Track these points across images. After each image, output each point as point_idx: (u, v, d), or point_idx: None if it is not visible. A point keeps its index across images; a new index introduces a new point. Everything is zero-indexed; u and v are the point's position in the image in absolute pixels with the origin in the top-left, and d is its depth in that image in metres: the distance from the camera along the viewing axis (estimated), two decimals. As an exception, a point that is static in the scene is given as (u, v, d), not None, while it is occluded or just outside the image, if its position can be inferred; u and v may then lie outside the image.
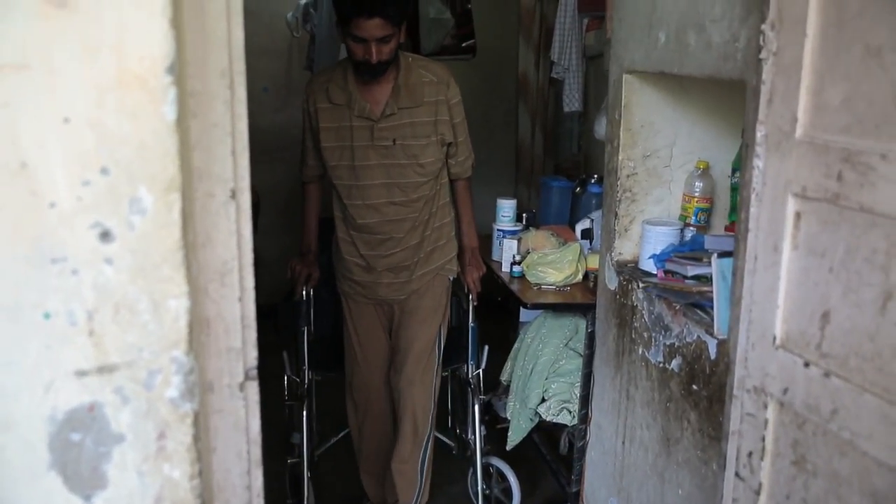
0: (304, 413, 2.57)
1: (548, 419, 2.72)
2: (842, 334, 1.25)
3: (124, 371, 1.07)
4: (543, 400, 2.73)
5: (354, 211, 2.52)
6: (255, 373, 1.31)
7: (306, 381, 2.64)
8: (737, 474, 1.50)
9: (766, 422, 1.41)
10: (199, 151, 1.16)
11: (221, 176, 1.20)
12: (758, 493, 1.44)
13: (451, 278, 2.69)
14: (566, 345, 2.78)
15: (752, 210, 1.43)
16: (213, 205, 1.19)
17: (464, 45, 5.00)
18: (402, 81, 2.44)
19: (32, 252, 1.00)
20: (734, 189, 2.23)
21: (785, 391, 1.36)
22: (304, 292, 2.65)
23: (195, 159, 1.15)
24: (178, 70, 1.03)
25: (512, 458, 2.90)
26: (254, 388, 1.31)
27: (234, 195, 1.21)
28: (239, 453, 1.32)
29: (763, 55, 1.38)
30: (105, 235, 1.03)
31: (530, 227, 3.11)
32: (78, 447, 1.07)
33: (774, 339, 1.39)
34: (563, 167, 4.42)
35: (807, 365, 1.31)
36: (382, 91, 2.44)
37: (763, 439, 1.42)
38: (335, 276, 2.70)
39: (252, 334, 1.30)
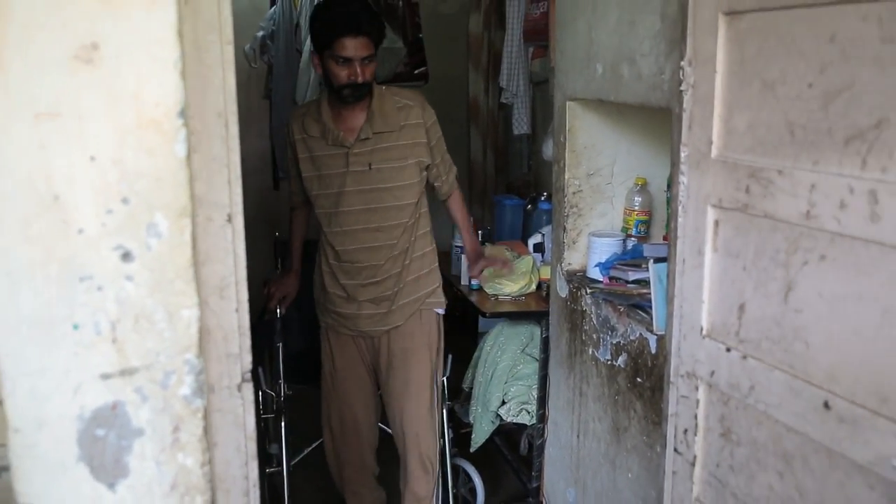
0: (283, 425, 2.72)
1: (508, 420, 2.91)
2: (755, 322, 1.48)
3: (143, 373, 1.24)
4: (504, 403, 2.92)
5: (334, 238, 2.52)
6: (249, 375, 1.49)
7: (282, 395, 2.79)
8: (675, 450, 1.71)
9: (697, 402, 1.63)
10: (200, 181, 1.33)
11: (219, 202, 1.38)
12: (693, 464, 1.65)
13: (441, 312, 2.67)
14: (523, 351, 2.98)
15: (680, 220, 1.66)
16: (213, 227, 1.37)
17: (416, 72, 5.22)
18: (377, 107, 2.45)
19: (63, 272, 1.16)
20: (669, 202, 2.47)
21: (712, 374, 1.58)
22: (277, 310, 2.77)
23: (197, 188, 1.32)
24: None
25: (476, 459, 3.07)
26: (249, 389, 1.48)
27: (230, 219, 1.39)
28: (238, 447, 1.49)
29: (683, 87, 1.61)
30: (126, 256, 1.19)
31: (486, 243, 3.30)
32: (103, 441, 1.23)
33: (702, 329, 1.61)
34: (514, 186, 4.62)
35: (728, 350, 1.54)
36: (356, 118, 2.46)
37: (696, 417, 1.64)
38: (317, 307, 2.69)
39: (247, 341, 1.47)
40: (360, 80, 2.32)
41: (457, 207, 2.79)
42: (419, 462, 2.62)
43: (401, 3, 5.16)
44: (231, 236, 1.40)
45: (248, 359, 1.47)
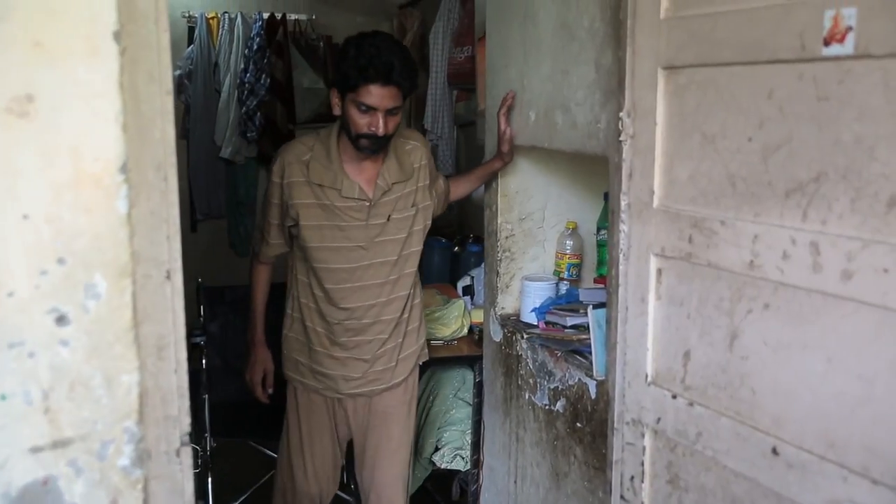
0: (210, 481, 2.61)
1: (442, 466, 2.87)
2: (700, 369, 1.50)
3: (78, 444, 1.16)
4: (437, 449, 2.88)
5: (339, 294, 2.23)
6: (188, 438, 1.41)
7: (208, 449, 2.68)
8: (622, 497, 1.71)
9: (644, 449, 1.64)
10: (139, 237, 1.26)
11: (158, 259, 1.31)
12: (641, 512, 1.66)
13: (421, 364, 2.48)
14: (455, 395, 2.96)
15: (621, 267, 1.68)
16: (151, 285, 1.30)
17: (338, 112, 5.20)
18: (393, 154, 2.24)
19: (-10, 338, 1.08)
20: (600, 245, 2.51)
21: (658, 421, 1.60)
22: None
23: (135, 244, 1.25)
24: (124, 167, 1.14)
25: (408, 506, 3.02)
26: (188, 453, 1.41)
27: (169, 275, 1.33)
28: (176, 516, 1.40)
29: (623, 137, 1.64)
30: (61, 319, 1.12)
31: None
32: (32, 520, 1.14)
33: (647, 376, 1.62)
34: (440, 227, 4.63)
35: (674, 397, 1.55)
36: (373, 167, 2.21)
37: (642, 464, 1.65)
38: (286, 364, 2.38)
39: (185, 402, 1.40)
40: (380, 132, 2.08)
41: (461, 179, 2.57)
42: None
43: (322, 43, 5.15)
44: (170, 294, 1.33)
45: (186, 421, 1.40)
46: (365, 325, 2.27)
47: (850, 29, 1.17)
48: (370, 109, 2.06)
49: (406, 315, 2.35)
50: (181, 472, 1.39)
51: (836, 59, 1.20)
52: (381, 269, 2.25)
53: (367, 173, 2.21)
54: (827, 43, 1.21)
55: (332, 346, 2.28)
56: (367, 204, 2.20)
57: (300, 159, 2.20)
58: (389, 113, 2.08)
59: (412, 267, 2.33)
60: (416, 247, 2.33)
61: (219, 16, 4.91)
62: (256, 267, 2.42)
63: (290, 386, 2.40)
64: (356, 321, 2.26)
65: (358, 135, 2.10)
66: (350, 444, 2.45)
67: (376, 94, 2.04)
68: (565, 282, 2.53)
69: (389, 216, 2.24)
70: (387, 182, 2.22)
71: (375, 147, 2.13)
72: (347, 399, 2.34)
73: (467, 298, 3.13)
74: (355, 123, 2.09)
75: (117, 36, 1.08)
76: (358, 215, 2.20)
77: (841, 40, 1.19)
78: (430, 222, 2.39)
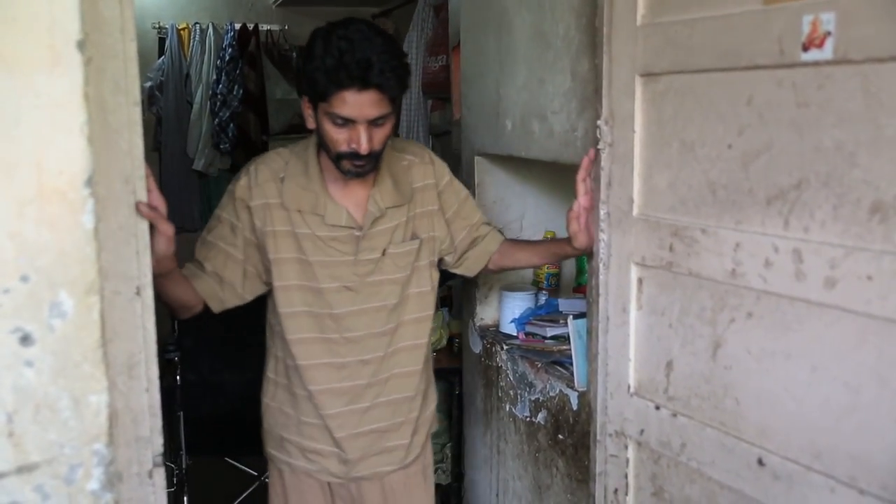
0: (185, 499, 2.55)
1: (423, 481, 2.83)
2: (683, 379, 1.48)
3: (45, 468, 1.12)
4: (417, 463, 2.84)
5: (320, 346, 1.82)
6: (160, 459, 1.37)
7: (184, 467, 2.62)
8: (606, 511, 1.69)
9: (627, 461, 1.62)
10: (107, 252, 1.22)
11: (127, 274, 1.28)
12: (625, 525, 1.64)
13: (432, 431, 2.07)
14: (435, 408, 2.92)
15: (601, 277, 1.66)
16: (120, 301, 1.27)
17: (311, 123, 5.17)
18: (387, 172, 1.82)
19: (-50, 361, 1.03)
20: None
21: (641, 432, 1.58)
22: (176, 378, 2.55)
23: (103, 260, 1.21)
24: (91, 180, 1.10)
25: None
26: (160, 474, 1.37)
27: (139, 291, 1.29)
28: (148, 542, 1.36)
29: (601, 146, 1.62)
30: (25, 339, 1.08)
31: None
32: (-4, 550, 1.09)
33: (629, 387, 1.60)
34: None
35: (658, 408, 1.53)
36: (362, 188, 1.79)
37: (626, 476, 1.63)
38: (268, 438, 1.94)
39: (158, 422, 1.36)
40: (363, 149, 1.63)
41: (515, 243, 2.09)
42: None
43: (295, 54, 5.13)
44: (140, 310, 1.30)
45: (159, 441, 1.36)
46: (360, 388, 1.83)
47: (828, 34, 1.16)
48: (348, 122, 1.62)
49: (427, 371, 1.95)
50: (154, 494, 1.35)
51: (816, 64, 1.19)
52: (375, 316, 1.82)
53: (355, 196, 1.79)
54: (806, 48, 1.20)
55: (314, 416, 1.83)
56: (357, 234, 1.78)
57: (271, 180, 1.77)
58: (374, 124, 1.63)
59: (418, 312, 1.87)
60: (423, 287, 1.87)
61: (190, 26, 4.87)
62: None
63: (272, 467, 1.96)
64: (349, 382, 1.82)
65: (338, 154, 1.67)
66: None
67: (353, 103, 1.59)
68: (544, 292, 2.51)
69: (385, 250, 1.80)
70: (379, 207, 1.79)
71: (362, 169, 1.69)
72: (348, 483, 1.89)
73: (445, 310, 3.11)
74: (332, 140, 1.65)
75: (81, 45, 1.04)
76: (344, 248, 1.77)
77: (820, 45, 1.18)
78: (436, 258, 1.92)
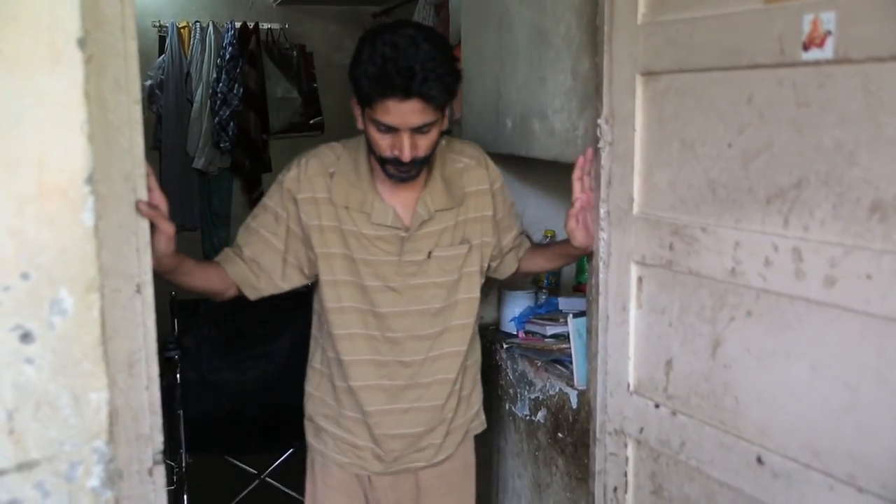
0: (185, 498, 2.56)
1: (422, 480, 2.83)
2: (683, 378, 1.48)
3: (45, 466, 1.12)
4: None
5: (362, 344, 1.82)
6: (161, 457, 1.38)
7: (184, 465, 2.63)
8: (605, 509, 1.69)
9: (626, 459, 1.62)
10: (107, 250, 1.22)
11: (127, 272, 1.28)
12: (624, 524, 1.64)
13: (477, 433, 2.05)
14: (435, 407, 2.92)
15: (601, 276, 1.66)
16: (121, 299, 1.27)
17: (311, 122, 5.18)
18: (439, 174, 1.80)
19: (-50, 358, 1.03)
20: (578, 253, 2.49)
21: (641, 430, 1.58)
22: (176, 377, 2.58)
23: (103, 258, 1.21)
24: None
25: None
26: (161, 472, 1.37)
27: (139, 289, 1.29)
28: (148, 538, 1.36)
29: (601, 145, 1.62)
30: (26, 336, 1.08)
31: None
32: (-4, 547, 1.09)
33: (629, 386, 1.61)
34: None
35: (657, 406, 1.54)
36: (412, 189, 1.77)
37: (625, 475, 1.63)
38: (305, 428, 1.95)
39: (158, 420, 1.36)
40: (406, 157, 1.62)
41: (541, 248, 2.09)
42: None
43: (295, 52, 5.13)
44: (141, 308, 1.30)
45: (159, 439, 1.36)
46: (398, 388, 1.83)
47: (829, 33, 1.16)
48: (389, 130, 1.61)
49: (464, 374, 1.91)
50: (154, 492, 1.35)
51: (816, 63, 1.19)
52: (418, 319, 1.80)
53: (403, 196, 1.77)
54: (806, 47, 1.20)
55: (356, 411, 1.84)
56: (402, 235, 1.76)
57: (321, 175, 1.76)
58: (418, 131, 1.61)
59: (464, 318, 1.85)
60: (472, 293, 1.85)
61: (190, 25, 4.86)
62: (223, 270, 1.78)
63: (308, 456, 1.96)
64: (388, 381, 1.82)
65: (382, 158, 1.67)
66: None
67: (395, 112, 1.57)
68: (544, 290, 2.51)
69: (430, 252, 1.78)
70: (428, 209, 1.76)
71: (406, 174, 1.67)
72: (379, 477, 1.90)
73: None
74: (377, 145, 1.65)
75: (82, 43, 1.04)
76: (388, 248, 1.76)
77: (820, 45, 1.18)
78: (486, 264, 1.89)
